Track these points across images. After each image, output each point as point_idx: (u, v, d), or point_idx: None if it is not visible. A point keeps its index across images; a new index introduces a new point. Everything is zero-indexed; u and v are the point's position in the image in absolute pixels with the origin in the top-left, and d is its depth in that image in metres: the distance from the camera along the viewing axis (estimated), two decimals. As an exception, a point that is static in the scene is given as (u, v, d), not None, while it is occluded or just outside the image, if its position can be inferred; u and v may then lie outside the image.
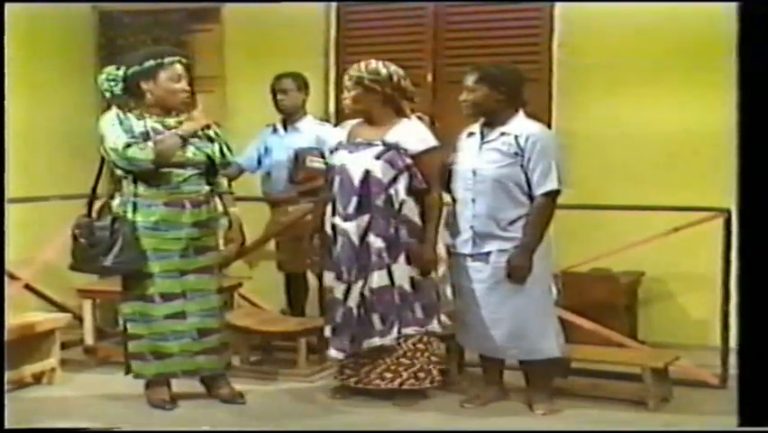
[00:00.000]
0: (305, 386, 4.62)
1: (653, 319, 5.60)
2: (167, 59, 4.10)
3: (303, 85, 5.39)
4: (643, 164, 5.57)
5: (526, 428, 4.02)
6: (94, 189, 4.25)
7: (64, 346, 4.87)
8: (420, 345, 4.26)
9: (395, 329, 4.18)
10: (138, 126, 4.06)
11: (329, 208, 4.29)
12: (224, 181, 4.33)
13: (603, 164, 5.65)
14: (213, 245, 4.23)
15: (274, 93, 5.36)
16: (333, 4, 6.25)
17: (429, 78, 6.09)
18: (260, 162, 5.50)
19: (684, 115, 5.40)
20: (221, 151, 4.22)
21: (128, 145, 3.99)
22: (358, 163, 4.19)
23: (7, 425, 3.89)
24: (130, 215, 4.06)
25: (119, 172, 4.11)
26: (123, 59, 4.24)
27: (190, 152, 4.12)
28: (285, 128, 5.41)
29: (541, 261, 4.14)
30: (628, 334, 5.10)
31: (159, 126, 4.09)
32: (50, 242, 5.42)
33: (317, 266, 4.50)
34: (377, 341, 4.19)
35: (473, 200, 4.14)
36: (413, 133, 4.25)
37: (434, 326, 4.27)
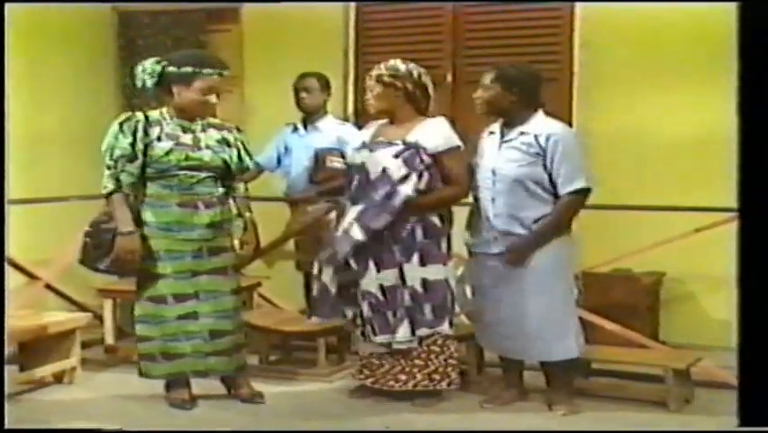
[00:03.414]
0: (324, 386, 4.62)
1: (675, 320, 5.57)
2: (206, 71, 4.06)
3: (325, 85, 5.40)
4: (664, 164, 5.54)
5: (545, 429, 4.00)
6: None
7: (84, 346, 4.88)
8: (434, 347, 4.23)
9: (402, 329, 4.16)
10: (154, 130, 4.03)
11: (348, 204, 4.27)
12: (241, 186, 4.31)
13: (623, 164, 5.62)
14: (227, 247, 4.20)
15: (296, 92, 5.36)
16: (352, 4, 6.25)
17: (449, 78, 6.08)
18: (279, 162, 5.51)
19: (706, 115, 5.36)
20: (238, 156, 4.20)
21: (107, 167, 4.03)
22: (377, 162, 4.18)
23: (27, 424, 3.93)
24: (142, 215, 4.05)
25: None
26: (169, 55, 4.21)
27: (206, 156, 4.09)
28: (305, 128, 5.41)
29: (563, 261, 4.12)
30: (650, 335, 5.07)
31: (178, 130, 4.08)
32: (69, 242, 5.45)
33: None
34: (388, 338, 4.19)
35: (493, 200, 4.13)
36: (435, 133, 4.24)
37: (445, 327, 4.23)
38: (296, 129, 5.43)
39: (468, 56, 6.08)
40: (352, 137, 4.59)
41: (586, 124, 5.80)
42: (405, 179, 4.14)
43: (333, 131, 5.29)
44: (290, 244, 5.44)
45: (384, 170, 4.15)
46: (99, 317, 5.18)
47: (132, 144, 3.99)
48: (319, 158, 5.21)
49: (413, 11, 6.19)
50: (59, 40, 5.93)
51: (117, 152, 4.00)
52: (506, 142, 4.14)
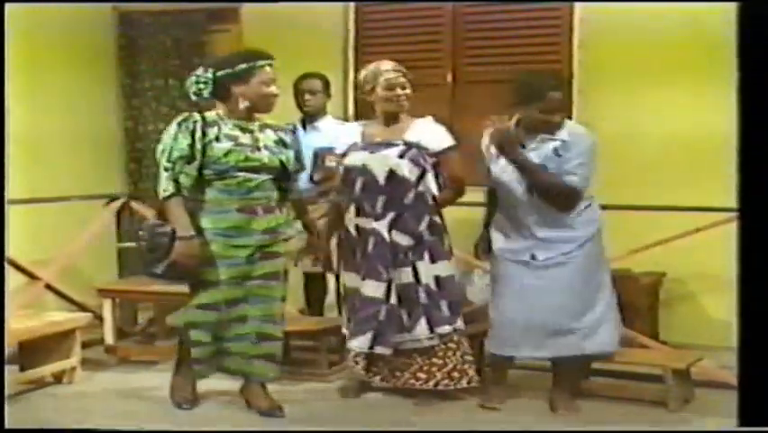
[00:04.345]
0: (324, 386, 4.62)
1: (675, 320, 5.57)
2: (259, 63, 3.98)
3: (327, 86, 5.39)
4: (663, 164, 5.54)
5: (545, 429, 4.00)
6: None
7: (84, 346, 4.88)
8: (452, 345, 4.25)
9: (419, 328, 4.18)
10: (212, 130, 3.92)
11: (352, 209, 4.27)
12: (298, 187, 4.22)
13: (623, 164, 5.62)
14: (280, 252, 4.08)
15: (299, 93, 5.34)
16: (352, 4, 6.25)
17: (448, 78, 6.08)
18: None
19: (705, 115, 5.36)
20: (295, 157, 4.11)
21: (165, 169, 3.90)
22: (381, 163, 4.19)
23: (27, 424, 3.93)
24: (199, 221, 3.92)
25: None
26: (210, 61, 4.10)
27: (265, 157, 3.98)
28: (305, 128, 5.40)
29: (603, 252, 4.20)
30: (650, 334, 5.08)
31: (237, 130, 3.97)
32: (70, 242, 5.47)
33: (330, 266, 4.51)
34: (406, 336, 4.21)
35: (531, 205, 4.11)
36: (433, 132, 4.27)
37: (460, 324, 4.28)
38: (295, 129, 5.42)
39: (468, 56, 6.08)
40: (338, 137, 4.56)
41: (586, 124, 5.79)
42: (422, 177, 4.18)
43: (332, 130, 5.28)
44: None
45: (392, 172, 4.17)
46: (99, 317, 5.18)
47: (191, 145, 3.88)
48: (318, 157, 5.21)
49: (413, 11, 6.18)
50: (59, 40, 5.93)
51: (175, 154, 3.88)
52: (531, 150, 4.12)
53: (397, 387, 4.31)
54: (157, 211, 4.08)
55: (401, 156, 4.19)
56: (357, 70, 6.07)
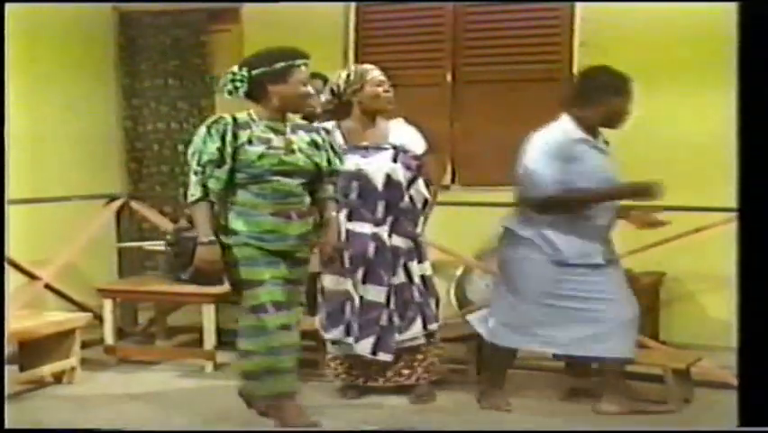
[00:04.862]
0: (324, 386, 4.62)
1: (675, 320, 5.57)
2: (297, 62, 3.82)
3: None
4: (663, 164, 5.52)
5: (545, 429, 4.00)
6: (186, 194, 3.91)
7: (84, 346, 4.89)
8: (432, 340, 4.35)
9: (416, 327, 4.21)
10: (243, 133, 3.75)
11: (343, 213, 4.25)
12: (330, 187, 3.98)
13: (623, 164, 5.60)
14: (307, 258, 3.95)
15: None
16: (353, 4, 6.25)
17: (448, 77, 6.08)
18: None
19: (705, 115, 5.36)
20: (327, 159, 3.93)
21: (194, 173, 3.73)
22: (378, 168, 4.21)
23: (27, 424, 3.93)
24: (231, 223, 3.76)
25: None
26: (245, 59, 3.91)
27: (300, 160, 3.81)
28: (304, 128, 5.41)
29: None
30: (650, 334, 5.07)
31: (269, 132, 3.79)
32: (70, 242, 5.46)
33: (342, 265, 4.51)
34: (405, 336, 4.24)
35: (608, 208, 4.10)
36: (413, 135, 4.34)
37: (441, 320, 4.43)
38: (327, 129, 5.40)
39: (468, 56, 6.08)
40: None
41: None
42: (413, 180, 4.21)
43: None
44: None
45: (389, 177, 4.19)
46: (99, 317, 5.18)
47: (221, 149, 3.71)
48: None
49: (413, 11, 6.18)
50: (59, 40, 5.93)
51: (205, 157, 3.71)
52: (603, 151, 4.13)
53: (379, 386, 4.34)
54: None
55: (394, 160, 4.22)
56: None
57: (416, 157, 4.29)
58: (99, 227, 5.70)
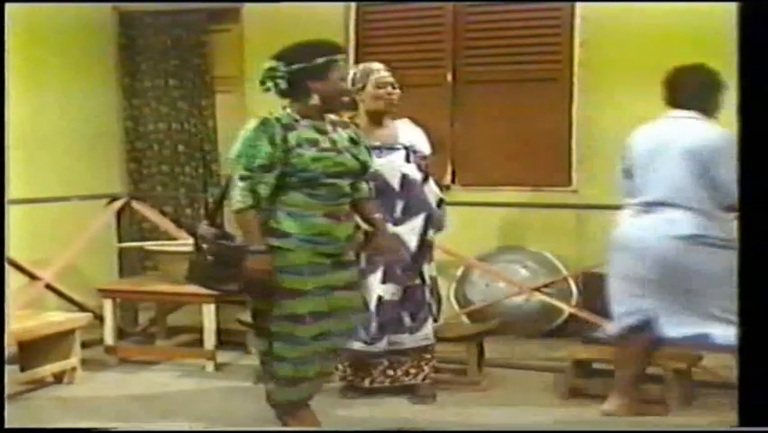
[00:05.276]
0: (323, 386, 4.61)
1: (675, 320, 5.56)
2: (337, 57, 3.66)
3: None
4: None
5: (545, 428, 4.00)
6: (222, 197, 3.78)
7: (84, 346, 4.88)
8: (434, 339, 4.37)
9: (427, 327, 4.23)
10: (291, 135, 3.56)
11: None
12: (365, 186, 3.82)
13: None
14: (354, 260, 3.82)
15: None
16: (353, 4, 6.25)
17: (449, 78, 6.08)
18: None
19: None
20: (367, 157, 3.79)
21: (242, 178, 3.52)
22: (393, 168, 4.21)
23: (27, 424, 3.93)
24: (280, 225, 3.57)
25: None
26: (280, 53, 3.66)
27: (348, 160, 3.66)
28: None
29: None
30: (650, 334, 5.06)
31: (314, 133, 3.62)
32: (70, 242, 5.46)
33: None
34: (417, 336, 4.26)
35: None
36: (419, 135, 4.33)
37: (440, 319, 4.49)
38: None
39: (468, 56, 6.08)
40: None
41: (586, 124, 5.80)
42: (426, 179, 4.25)
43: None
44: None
45: (404, 177, 4.19)
46: (99, 317, 5.18)
47: (272, 153, 3.51)
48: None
49: (413, 11, 6.19)
50: (59, 40, 5.93)
51: (256, 162, 3.50)
52: None
53: (384, 386, 4.35)
54: (209, 216, 3.77)
55: (407, 160, 4.22)
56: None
57: (424, 157, 4.29)
58: (99, 227, 5.70)
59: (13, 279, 4.91)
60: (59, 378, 4.65)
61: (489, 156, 5.94)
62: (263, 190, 3.52)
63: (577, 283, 5.66)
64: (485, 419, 4.11)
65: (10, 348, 4.25)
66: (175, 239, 5.76)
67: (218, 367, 4.95)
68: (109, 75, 6.56)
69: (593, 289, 5.09)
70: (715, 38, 5.23)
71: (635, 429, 3.98)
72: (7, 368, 3.91)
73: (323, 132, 3.65)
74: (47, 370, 4.58)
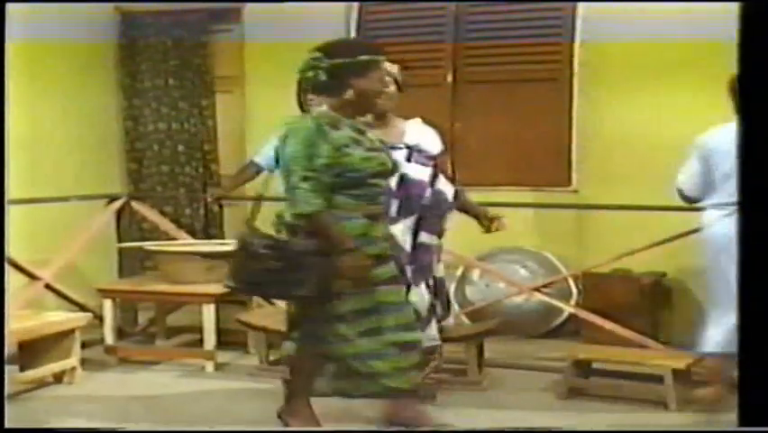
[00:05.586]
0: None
1: (675, 320, 5.57)
2: (380, 57, 3.60)
3: None
4: (664, 164, 5.52)
5: (545, 428, 4.01)
6: (260, 198, 3.75)
7: (84, 346, 4.89)
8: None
9: (432, 328, 4.24)
10: (340, 134, 3.50)
11: None
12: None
13: (624, 164, 5.62)
14: (392, 255, 3.73)
15: (301, 90, 5.32)
16: (355, 4, 6.26)
17: (449, 78, 6.08)
18: (277, 162, 5.49)
19: (706, 115, 5.34)
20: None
21: (305, 179, 3.42)
22: None
23: (27, 424, 3.93)
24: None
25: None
26: (323, 46, 3.58)
27: (387, 160, 3.63)
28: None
29: None
30: (650, 335, 5.07)
31: (355, 132, 3.57)
32: (70, 242, 5.46)
33: None
34: (430, 334, 4.22)
35: None
36: (429, 135, 4.28)
37: (451, 320, 4.43)
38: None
39: (468, 56, 6.08)
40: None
41: (586, 124, 5.80)
42: (435, 177, 4.20)
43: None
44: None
45: (403, 177, 4.17)
46: (99, 318, 5.18)
47: (331, 152, 3.45)
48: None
49: (413, 11, 6.19)
50: (60, 40, 5.92)
51: (319, 161, 3.42)
52: None
53: None
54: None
55: (408, 159, 4.20)
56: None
57: (432, 157, 4.25)
58: (99, 227, 5.70)
59: (13, 279, 4.91)
60: (58, 378, 4.65)
61: (488, 156, 5.94)
62: (327, 189, 3.44)
63: (577, 283, 5.66)
64: (485, 419, 4.11)
65: (10, 348, 4.25)
66: (175, 239, 5.76)
67: (218, 367, 4.95)
68: (109, 75, 6.56)
69: (594, 288, 5.10)
70: (714, 38, 5.26)
71: (635, 429, 3.98)
72: (7, 368, 3.92)
73: (361, 131, 3.62)
74: (47, 370, 4.58)
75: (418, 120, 4.34)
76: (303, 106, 5.40)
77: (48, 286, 5.31)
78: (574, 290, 5.67)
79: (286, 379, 3.80)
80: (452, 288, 5.85)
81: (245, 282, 3.57)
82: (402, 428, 3.97)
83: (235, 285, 3.61)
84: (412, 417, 3.90)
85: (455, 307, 5.81)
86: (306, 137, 3.46)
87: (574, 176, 5.88)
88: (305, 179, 3.42)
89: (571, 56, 5.84)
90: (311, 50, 3.56)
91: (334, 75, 3.51)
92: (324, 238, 3.43)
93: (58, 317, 4.75)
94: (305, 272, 3.41)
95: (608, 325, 4.78)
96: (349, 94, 3.53)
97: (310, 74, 3.53)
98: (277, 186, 5.79)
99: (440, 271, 4.29)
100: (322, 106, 3.60)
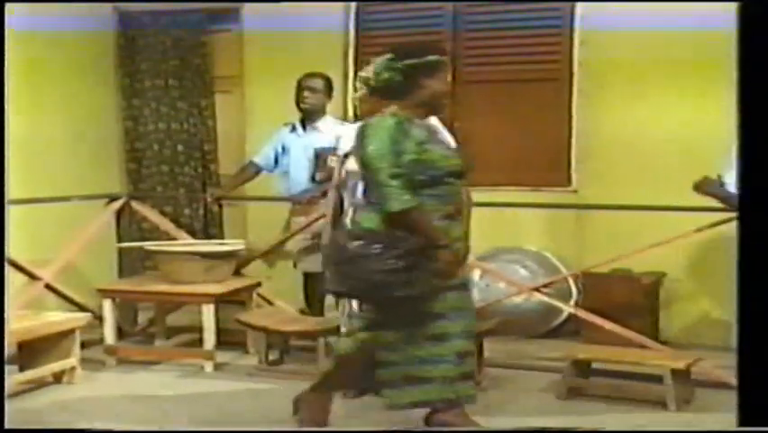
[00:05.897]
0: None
1: (675, 320, 5.57)
2: (444, 57, 3.63)
3: (329, 87, 5.40)
4: (664, 164, 5.54)
5: (545, 427, 4.01)
6: (341, 202, 3.76)
7: (84, 346, 4.88)
8: None
9: None
10: (421, 134, 3.50)
11: (350, 211, 4.24)
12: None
13: (623, 164, 5.62)
14: (464, 258, 3.70)
15: (300, 89, 5.34)
16: (353, 5, 6.25)
17: (449, 78, 6.06)
18: (276, 162, 5.51)
19: (706, 115, 5.36)
20: None
21: (393, 176, 3.38)
22: None
23: (27, 424, 3.93)
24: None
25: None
26: (391, 50, 3.62)
27: (459, 160, 3.62)
28: (304, 128, 5.41)
29: None
30: (649, 335, 5.07)
31: (429, 134, 3.57)
32: (70, 242, 5.46)
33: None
34: None
35: None
36: (445, 134, 4.25)
37: None
38: (294, 129, 5.43)
39: (468, 56, 6.08)
40: (340, 138, 4.54)
41: (586, 124, 5.80)
42: None
43: (332, 130, 5.28)
44: (288, 244, 5.43)
45: None
46: (99, 318, 5.18)
47: (415, 149, 3.45)
48: (320, 157, 5.22)
49: (413, 11, 6.19)
50: (59, 39, 5.92)
51: (407, 157, 3.41)
52: None
53: None
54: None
55: None
56: (357, 71, 6.11)
57: None
58: (99, 227, 5.69)
59: (13, 279, 4.91)
60: (58, 378, 4.65)
61: (488, 156, 5.94)
62: (414, 187, 3.40)
63: (576, 283, 5.66)
64: (484, 419, 4.11)
65: (10, 348, 4.26)
66: (175, 239, 5.76)
67: (217, 367, 4.95)
68: (109, 75, 6.56)
69: (594, 288, 5.10)
70: (714, 38, 5.26)
71: (635, 429, 3.98)
72: (7, 368, 3.92)
73: (433, 131, 3.62)
74: (47, 370, 4.58)
75: (434, 118, 4.33)
76: (299, 104, 5.42)
77: (48, 286, 5.30)
78: (574, 290, 5.67)
79: (325, 372, 3.86)
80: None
81: (354, 287, 3.50)
82: (402, 428, 3.97)
83: (346, 290, 3.59)
84: (459, 423, 3.75)
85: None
86: (391, 135, 3.42)
87: (574, 176, 5.89)
88: (394, 176, 3.37)
89: (571, 56, 5.84)
90: (380, 55, 3.58)
91: (408, 75, 3.52)
92: (420, 235, 3.38)
93: (58, 318, 4.75)
94: (415, 272, 3.37)
95: (608, 325, 4.77)
96: (421, 94, 3.54)
97: (386, 75, 3.56)
98: (277, 186, 5.84)
99: None
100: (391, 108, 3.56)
